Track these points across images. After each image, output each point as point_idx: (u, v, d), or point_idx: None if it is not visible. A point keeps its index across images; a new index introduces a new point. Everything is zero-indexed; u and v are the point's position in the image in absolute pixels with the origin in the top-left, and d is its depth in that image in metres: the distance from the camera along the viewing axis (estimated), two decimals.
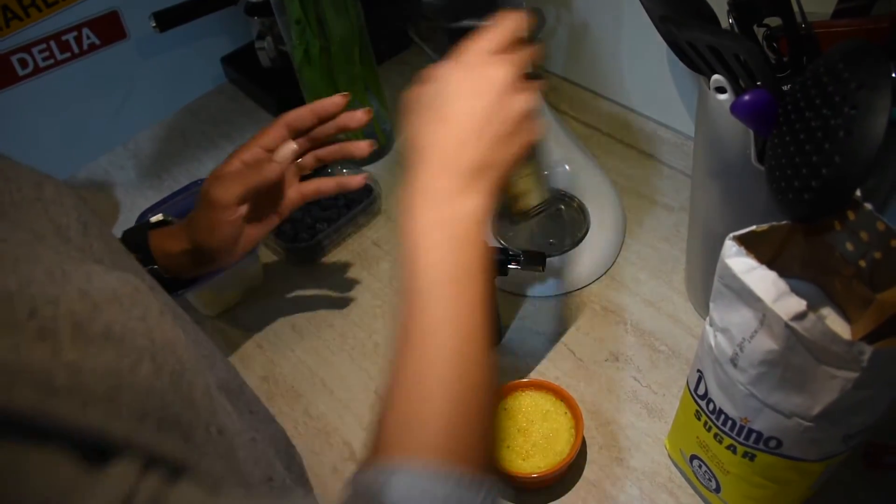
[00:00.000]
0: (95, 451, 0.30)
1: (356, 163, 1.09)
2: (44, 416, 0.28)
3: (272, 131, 0.76)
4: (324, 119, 0.76)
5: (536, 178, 0.68)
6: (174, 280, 0.78)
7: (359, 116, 0.75)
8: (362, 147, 0.77)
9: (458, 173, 0.52)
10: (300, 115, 0.76)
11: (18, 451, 0.28)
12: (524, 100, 0.55)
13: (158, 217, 0.81)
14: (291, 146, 0.76)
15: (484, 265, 0.51)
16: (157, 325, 0.35)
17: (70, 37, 1.10)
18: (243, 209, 0.72)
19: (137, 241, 0.75)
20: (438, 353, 0.48)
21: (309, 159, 0.79)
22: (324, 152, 0.79)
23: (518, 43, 0.57)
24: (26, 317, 0.29)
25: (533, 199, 0.69)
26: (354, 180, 0.79)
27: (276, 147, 0.76)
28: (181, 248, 0.75)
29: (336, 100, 0.75)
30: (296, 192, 0.78)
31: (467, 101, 0.54)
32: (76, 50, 1.11)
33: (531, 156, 0.64)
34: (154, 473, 0.32)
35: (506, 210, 0.70)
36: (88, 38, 1.12)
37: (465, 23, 0.60)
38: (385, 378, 0.49)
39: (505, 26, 0.57)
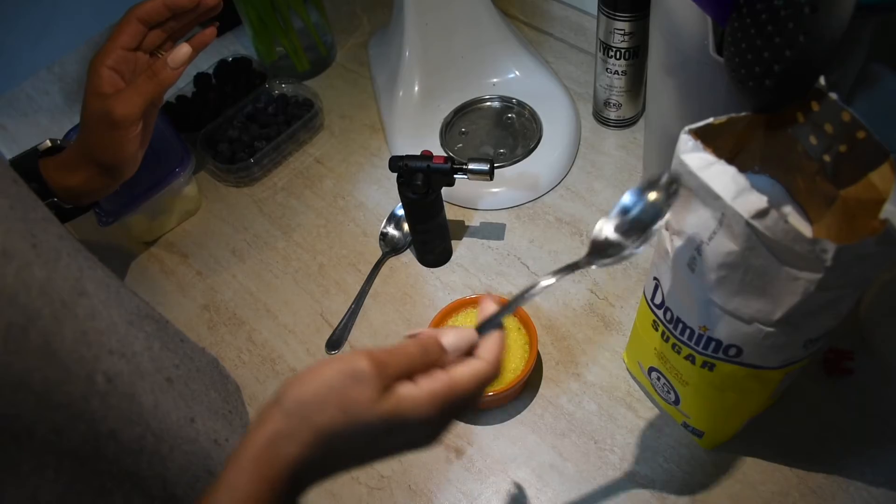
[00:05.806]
0: None
1: (296, 75, 1.03)
2: None
3: (128, 29, 0.70)
4: (177, 13, 0.71)
5: None
6: (75, 208, 0.75)
7: (208, 34, 0.73)
8: (207, 33, 0.73)
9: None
10: (153, 7, 0.70)
11: None
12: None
13: (47, 144, 0.75)
14: (185, 49, 0.69)
15: None
16: None
17: None
18: (142, 121, 0.69)
19: (27, 170, 0.70)
20: None
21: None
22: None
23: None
24: None
25: None
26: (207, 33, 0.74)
27: (136, 45, 0.71)
28: (81, 179, 0.71)
29: None
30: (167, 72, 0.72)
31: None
32: None
33: None
34: None
35: None
36: None
37: None
38: None
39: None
